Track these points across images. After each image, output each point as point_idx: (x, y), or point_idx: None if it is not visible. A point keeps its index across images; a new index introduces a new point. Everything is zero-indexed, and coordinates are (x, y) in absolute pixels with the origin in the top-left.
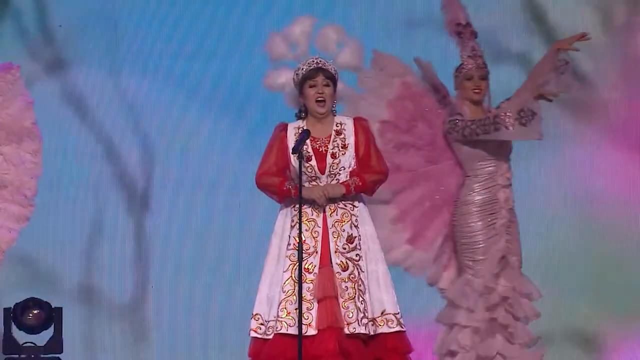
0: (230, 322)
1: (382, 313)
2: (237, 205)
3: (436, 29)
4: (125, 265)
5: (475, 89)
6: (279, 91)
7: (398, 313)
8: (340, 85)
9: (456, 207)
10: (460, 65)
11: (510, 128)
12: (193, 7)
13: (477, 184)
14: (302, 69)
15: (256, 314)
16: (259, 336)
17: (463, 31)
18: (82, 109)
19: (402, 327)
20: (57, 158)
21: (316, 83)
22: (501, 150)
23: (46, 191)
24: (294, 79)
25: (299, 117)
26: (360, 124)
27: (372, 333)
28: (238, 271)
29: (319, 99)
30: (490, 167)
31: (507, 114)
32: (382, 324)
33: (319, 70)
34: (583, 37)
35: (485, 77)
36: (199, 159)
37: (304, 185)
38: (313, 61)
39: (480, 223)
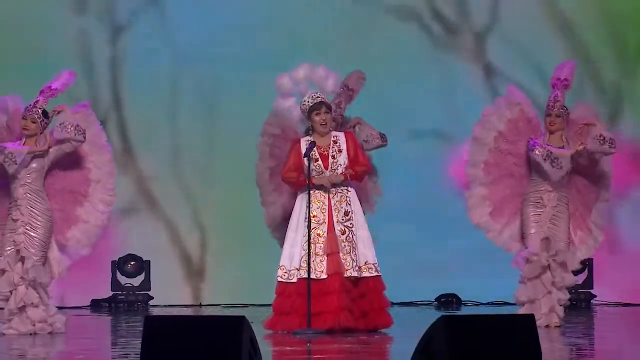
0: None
1: (365, 263)
2: None
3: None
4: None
5: (551, 124)
6: (285, 112)
7: (376, 263)
8: None
9: (522, 198)
10: (547, 105)
11: (550, 168)
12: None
13: (533, 187)
14: (309, 102)
15: (282, 266)
16: (284, 281)
17: (557, 84)
18: None
19: (378, 273)
20: None
21: (320, 112)
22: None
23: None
24: (302, 107)
25: (307, 134)
26: (349, 136)
27: (360, 276)
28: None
29: (323, 123)
30: (542, 176)
31: (560, 159)
32: (365, 271)
33: (322, 104)
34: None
35: (560, 116)
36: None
37: (314, 176)
38: (317, 96)
39: (532, 213)
